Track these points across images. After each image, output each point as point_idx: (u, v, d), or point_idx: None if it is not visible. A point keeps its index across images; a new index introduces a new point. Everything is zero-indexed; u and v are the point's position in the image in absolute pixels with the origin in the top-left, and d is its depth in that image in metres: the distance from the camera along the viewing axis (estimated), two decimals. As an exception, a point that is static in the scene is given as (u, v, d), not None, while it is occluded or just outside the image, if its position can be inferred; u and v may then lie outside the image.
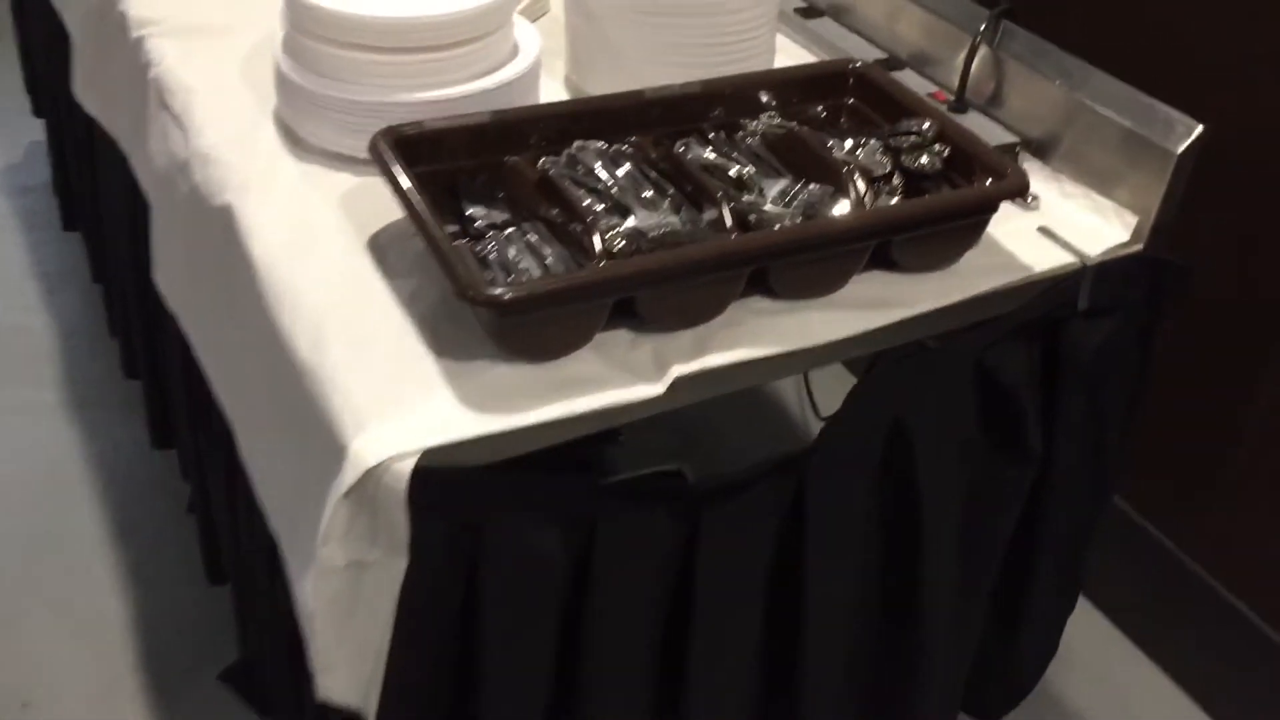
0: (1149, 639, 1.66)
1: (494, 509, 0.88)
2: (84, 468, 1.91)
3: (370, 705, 0.92)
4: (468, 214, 1.02)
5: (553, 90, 1.27)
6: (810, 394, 1.71)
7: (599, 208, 1.00)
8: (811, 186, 1.03)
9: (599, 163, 1.05)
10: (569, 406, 0.88)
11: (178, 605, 1.68)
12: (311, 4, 1.07)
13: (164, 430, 1.80)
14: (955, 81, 1.28)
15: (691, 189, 1.03)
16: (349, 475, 0.83)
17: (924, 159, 1.07)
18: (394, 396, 0.88)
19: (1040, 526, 1.22)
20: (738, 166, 1.06)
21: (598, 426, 0.90)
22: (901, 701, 1.21)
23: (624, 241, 0.94)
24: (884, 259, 1.03)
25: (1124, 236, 1.11)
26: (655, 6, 1.16)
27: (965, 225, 1.03)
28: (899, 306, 1.01)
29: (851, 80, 1.17)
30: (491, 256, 0.95)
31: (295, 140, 1.15)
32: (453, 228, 1.00)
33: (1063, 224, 1.12)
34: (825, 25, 1.42)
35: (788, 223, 0.98)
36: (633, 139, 1.09)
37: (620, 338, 0.95)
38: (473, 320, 0.93)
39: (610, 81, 1.22)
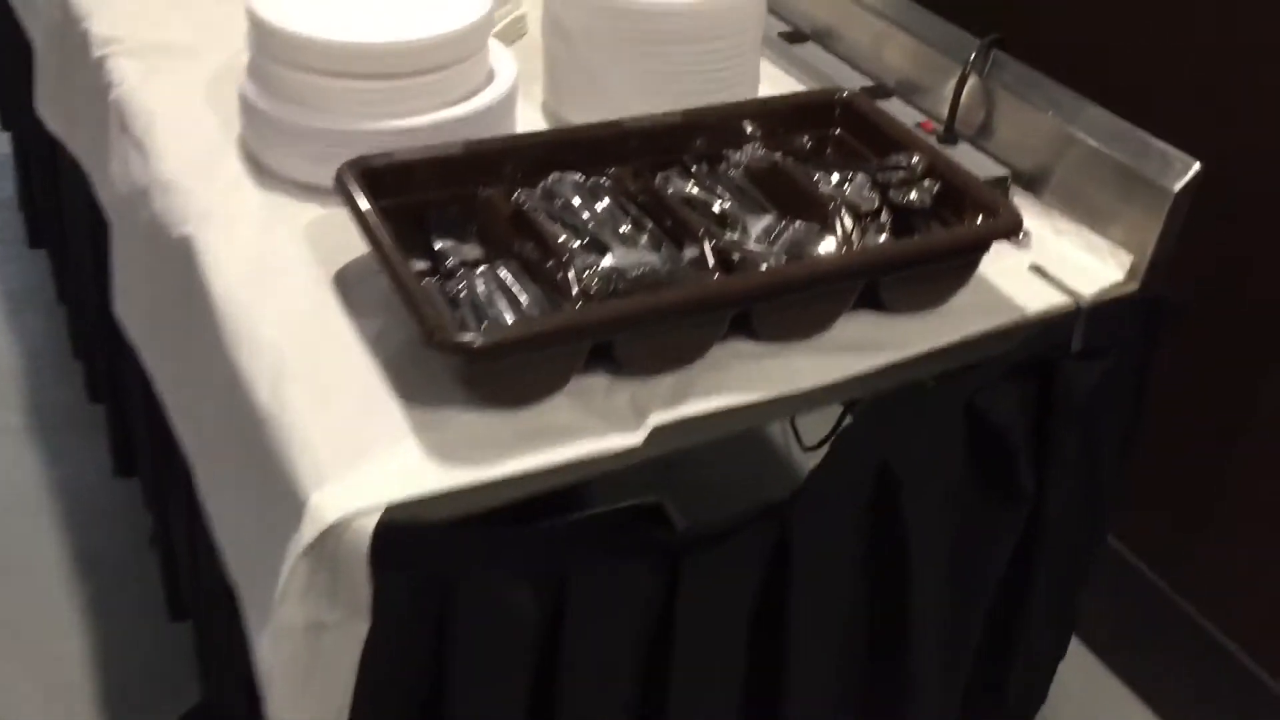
0: (1140, 679, 1.62)
1: (462, 565, 0.83)
2: (45, 494, 1.85)
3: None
4: (438, 249, 0.98)
5: (530, 117, 1.22)
6: (793, 422, 1.67)
7: (575, 244, 0.96)
8: (796, 224, 0.99)
9: (576, 196, 1.01)
10: (542, 458, 0.84)
11: (138, 640, 1.62)
12: (276, 27, 1.03)
13: (127, 458, 1.75)
14: (944, 111, 1.25)
15: (672, 224, 0.99)
16: (308, 532, 0.78)
17: (913, 195, 1.03)
18: (357, 446, 0.83)
19: (1031, 568, 1.18)
20: (720, 201, 1.02)
21: (572, 478, 0.86)
22: (887, 749, 1.17)
23: (601, 282, 0.90)
24: (872, 298, 0.99)
25: (1118, 276, 1.08)
26: (636, 33, 1.12)
27: (956, 265, 1.00)
28: (888, 349, 0.97)
29: (838, 110, 1.14)
30: (462, 295, 0.91)
31: (260, 168, 1.10)
32: (422, 264, 0.96)
33: (1055, 261, 1.08)
34: (810, 51, 1.38)
35: (772, 262, 0.94)
36: (611, 170, 1.04)
37: (597, 383, 0.91)
38: (441, 364, 0.89)
39: (589, 108, 1.18)
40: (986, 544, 1.15)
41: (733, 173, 1.08)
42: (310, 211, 1.06)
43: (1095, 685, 1.66)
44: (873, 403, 1.00)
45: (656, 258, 0.95)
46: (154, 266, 1.12)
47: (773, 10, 1.23)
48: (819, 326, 0.97)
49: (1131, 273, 1.07)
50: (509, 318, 0.88)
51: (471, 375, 0.85)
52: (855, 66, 1.35)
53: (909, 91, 1.29)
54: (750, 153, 1.09)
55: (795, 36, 1.40)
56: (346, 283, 0.99)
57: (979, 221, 1.00)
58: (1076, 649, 1.65)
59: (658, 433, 0.88)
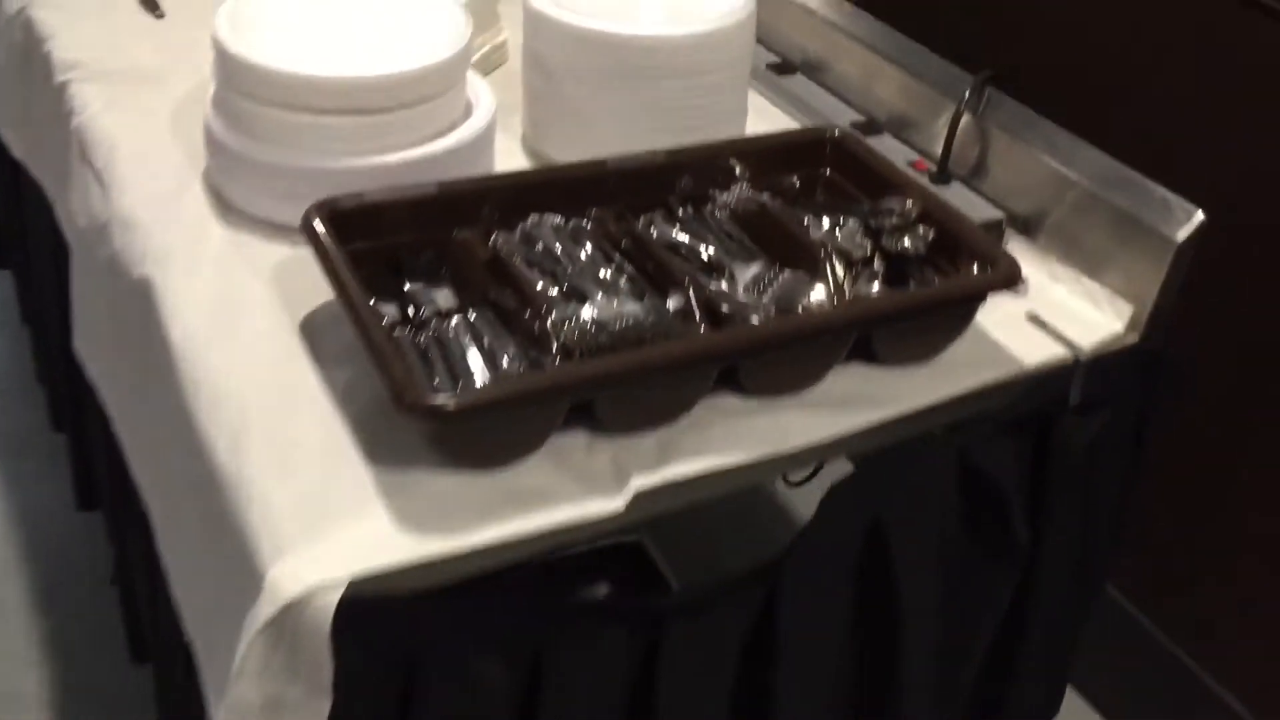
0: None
1: (429, 638, 0.78)
2: (4, 523, 1.79)
3: None
4: (409, 292, 0.93)
5: (508, 150, 1.18)
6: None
7: (554, 292, 0.92)
8: (786, 273, 0.95)
9: (556, 240, 0.97)
10: (517, 526, 0.79)
11: (97, 682, 1.56)
12: (243, 59, 0.98)
13: (89, 491, 1.69)
14: (936, 148, 1.21)
15: (656, 271, 0.94)
16: (265, 608, 0.74)
17: (907, 242, 0.99)
18: (320, 511, 0.79)
19: (1024, 623, 1.14)
20: (706, 246, 0.98)
21: (550, 545, 0.81)
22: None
23: (582, 337, 0.85)
24: (863, 349, 0.95)
25: (1118, 326, 1.04)
26: (619, 67, 1.07)
27: (951, 316, 0.96)
28: (880, 405, 0.93)
29: (828, 149, 1.09)
30: (433, 351, 0.86)
31: (225, 205, 1.06)
32: (393, 309, 0.91)
33: (1053, 310, 1.04)
34: (799, 83, 1.34)
35: (761, 315, 0.89)
36: (593, 212, 1.00)
37: (576, 441, 0.86)
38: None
39: (570, 144, 1.13)
40: (978, 599, 1.11)
41: (719, 214, 1.04)
42: (277, 252, 1.01)
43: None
44: (864, 459, 0.96)
45: (640, 308, 0.90)
46: (114, 306, 1.07)
47: (760, 40, 1.19)
48: (809, 380, 0.92)
49: (1132, 324, 1.04)
50: (484, 375, 0.83)
51: (444, 437, 0.80)
52: (844, 100, 1.31)
53: (900, 127, 1.25)
54: (737, 193, 1.05)
55: (783, 68, 1.36)
56: (314, 329, 0.94)
57: (975, 270, 0.96)
58: (1069, 697, 1.61)
59: (640, 497, 0.83)
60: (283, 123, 0.99)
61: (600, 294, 0.91)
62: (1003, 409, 0.99)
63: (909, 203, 1.01)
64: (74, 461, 1.71)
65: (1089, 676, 1.58)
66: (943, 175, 1.17)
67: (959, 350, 0.98)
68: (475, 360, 0.85)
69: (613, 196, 1.01)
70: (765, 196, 1.05)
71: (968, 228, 0.99)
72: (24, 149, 1.43)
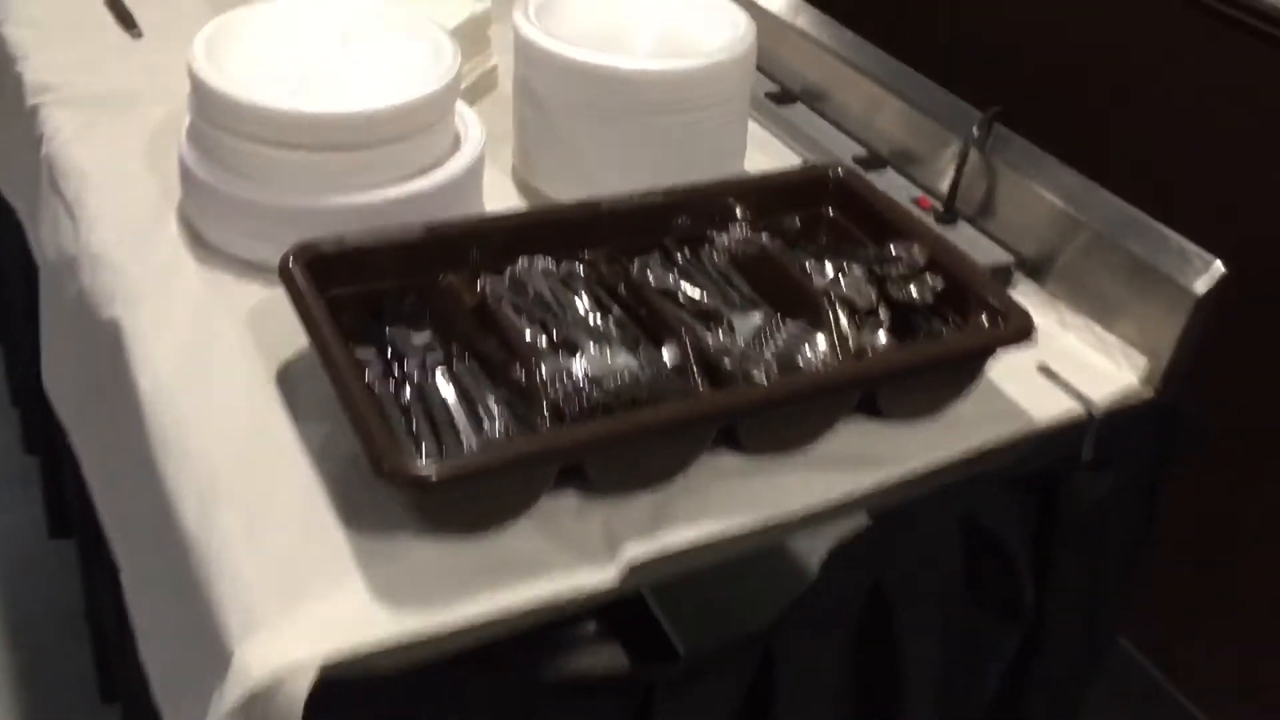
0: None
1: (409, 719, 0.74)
2: (-26, 551, 1.74)
3: None
4: (391, 337, 0.89)
5: (498, 183, 1.13)
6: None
7: (543, 341, 0.87)
8: (787, 324, 0.90)
9: (546, 285, 0.92)
10: (504, 599, 0.75)
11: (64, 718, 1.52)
12: (220, 91, 0.93)
13: (62, 518, 1.64)
14: (940, 185, 1.17)
15: (651, 319, 0.90)
16: (233, 690, 0.69)
17: (913, 290, 0.95)
18: (293, 584, 0.74)
19: (1028, 685, 1.10)
20: (703, 293, 0.94)
21: (537, 620, 0.76)
22: None
23: (573, 395, 0.81)
24: (868, 403, 0.90)
25: (1132, 379, 1.00)
26: (614, 102, 1.03)
27: (960, 371, 0.91)
28: (885, 464, 0.88)
29: (831, 188, 1.05)
30: (416, 407, 0.82)
31: (200, 241, 1.01)
32: (375, 359, 0.86)
33: (1063, 360, 1.00)
34: (799, 113, 1.30)
35: (761, 371, 0.85)
36: (585, 254, 0.96)
37: (566, 504, 0.81)
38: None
39: (562, 179, 1.09)
40: (982, 661, 1.07)
41: (717, 257, 0.99)
42: (254, 292, 0.96)
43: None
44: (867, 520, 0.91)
45: (634, 362, 0.86)
46: (81, 346, 1.02)
47: (759, 68, 1.14)
48: (810, 438, 0.88)
49: (1147, 378, 0.99)
50: (470, 435, 0.79)
51: (425, 505, 0.76)
52: (846, 131, 1.27)
53: (903, 162, 1.21)
54: (736, 234, 1.01)
55: (782, 97, 1.32)
56: (290, 379, 0.89)
57: (984, 321, 0.92)
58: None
59: (634, 567, 0.79)
60: (261, 158, 0.94)
61: (592, 345, 0.87)
62: (1011, 465, 0.95)
63: (916, 249, 0.96)
64: (46, 487, 1.66)
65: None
66: (949, 214, 1.13)
67: (967, 404, 0.94)
68: (460, 418, 0.81)
69: (606, 238, 0.97)
70: (765, 238, 1.01)
71: (978, 277, 0.94)
72: (-4, 170, 1.38)
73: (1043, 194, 1.07)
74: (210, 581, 0.75)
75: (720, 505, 0.83)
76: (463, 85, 1.19)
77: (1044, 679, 1.10)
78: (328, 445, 0.83)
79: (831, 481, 0.86)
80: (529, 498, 0.78)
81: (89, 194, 1.06)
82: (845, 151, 1.23)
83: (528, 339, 0.87)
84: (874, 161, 1.21)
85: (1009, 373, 0.97)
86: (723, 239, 1.00)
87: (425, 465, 0.72)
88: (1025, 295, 1.07)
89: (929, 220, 1.12)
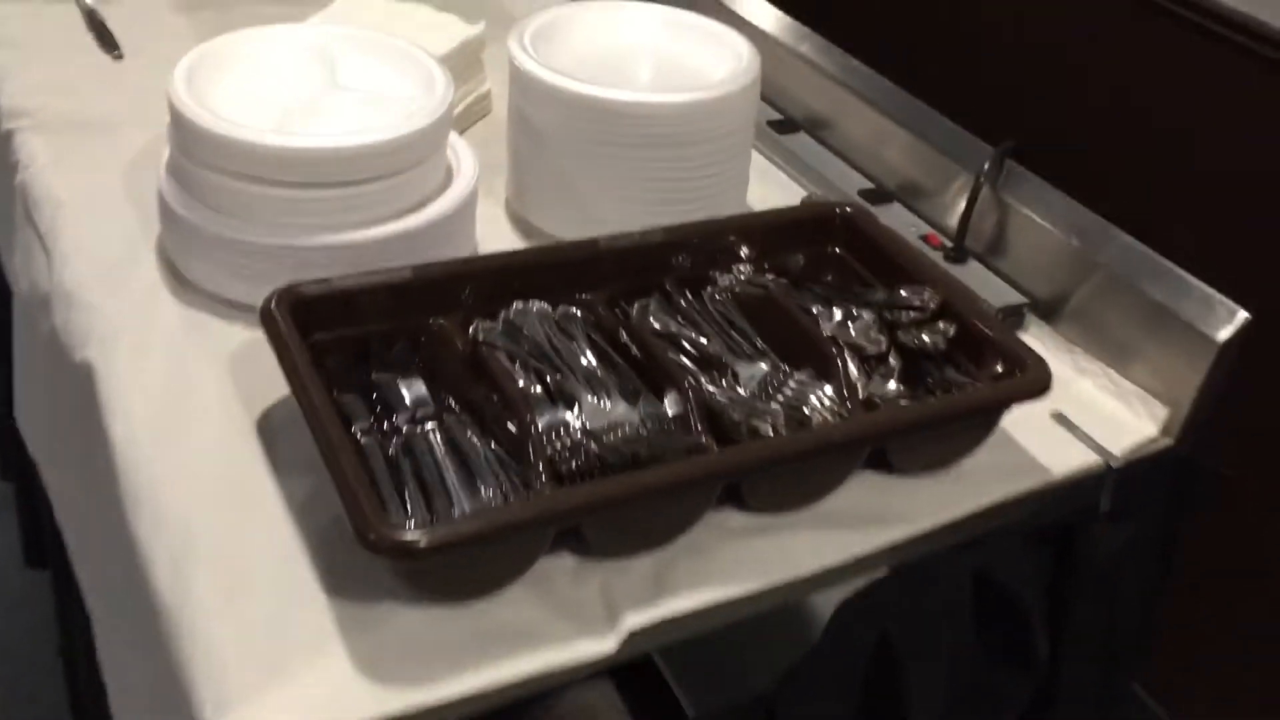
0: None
1: (395, 801, 0.69)
2: (-52, 580, 1.69)
3: None
4: (378, 385, 0.84)
5: (492, 216, 1.09)
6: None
7: (538, 390, 0.83)
8: (795, 374, 0.86)
9: (542, 329, 0.88)
10: (496, 672, 0.70)
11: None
12: (200, 126, 0.89)
13: (38, 548, 1.59)
14: (949, 220, 1.13)
15: (651, 367, 0.86)
16: (206, 775, 0.65)
17: (925, 337, 0.91)
18: (271, 655, 0.70)
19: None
20: (704, 338, 0.89)
21: (532, 692, 0.72)
22: None
23: (570, 453, 0.77)
24: (877, 456, 0.86)
25: (1151, 430, 0.96)
26: (613, 136, 0.99)
27: (975, 425, 0.87)
28: (897, 522, 0.84)
29: (837, 225, 1.01)
30: (404, 463, 0.77)
31: (180, 279, 0.96)
32: (360, 404, 0.82)
33: (1079, 408, 0.96)
34: (802, 143, 1.26)
35: (767, 424, 0.81)
36: (583, 297, 0.91)
37: (562, 566, 0.77)
38: (379, 547, 0.75)
39: (558, 215, 1.05)
40: (993, 709, 1.03)
41: (719, 297, 0.95)
42: (235, 334, 0.92)
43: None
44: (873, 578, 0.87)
45: (635, 415, 0.81)
46: (54, 386, 0.98)
47: (761, 96, 1.10)
48: (818, 495, 0.84)
49: (1165, 427, 0.95)
50: (461, 495, 0.74)
51: (413, 573, 0.72)
52: (851, 163, 1.23)
53: (910, 196, 1.17)
54: (739, 274, 0.97)
55: (785, 126, 1.28)
56: (272, 429, 0.85)
57: (1000, 370, 0.88)
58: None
59: (634, 635, 0.74)
60: (244, 195, 0.90)
61: (590, 396, 0.83)
62: (1026, 519, 0.91)
63: (928, 293, 0.92)
64: (21, 516, 1.61)
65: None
66: (959, 253, 1.09)
67: (980, 456, 0.90)
68: (451, 475, 0.76)
69: (604, 279, 0.93)
70: (770, 279, 0.97)
71: (992, 324, 0.90)
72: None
73: (1056, 233, 1.03)
74: (183, 652, 0.71)
75: (725, 568, 0.79)
76: (456, 112, 1.15)
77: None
78: (311, 502, 0.79)
79: (841, 541, 0.82)
80: (523, 564, 0.74)
81: (64, 226, 1.02)
82: (850, 184, 1.19)
83: (521, 387, 0.83)
84: (880, 195, 1.18)
85: (1022, 420, 0.93)
86: (725, 279, 0.96)
87: (413, 532, 0.67)
88: (1038, 338, 1.04)
89: (938, 259, 1.08)
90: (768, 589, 0.79)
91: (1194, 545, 1.25)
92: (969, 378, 0.89)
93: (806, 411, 0.84)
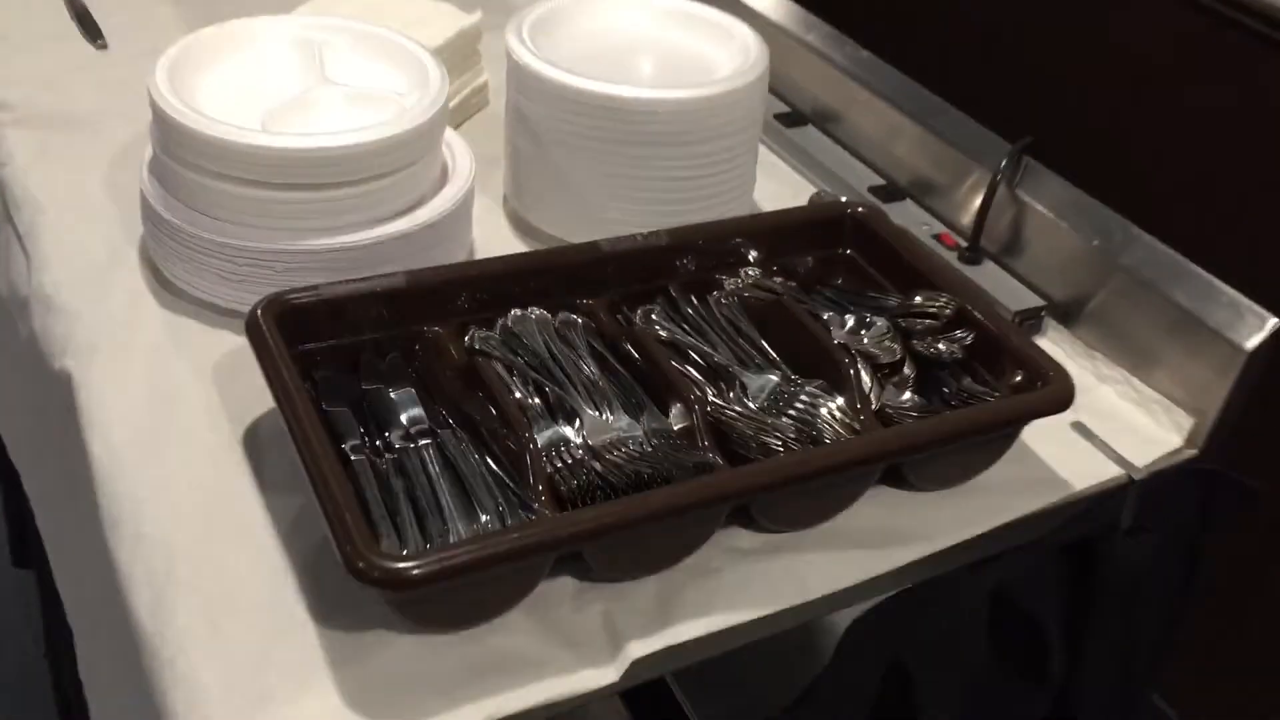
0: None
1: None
2: (-66, 580, 1.66)
3: None
4: (370, 399, 0.80)
5: (488, 213, 1.05)
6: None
7: (537, 403, 0.79)
8: (805, 385, 0.82)
9: (541, 338, 0.84)
10: (493, 704, 0.67)
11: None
12: (183, 125, 0.85)
13: (25, 547, 1.55)
14: (962, 218, 1.09)
15: (656, 378, 0.82)
16: (186, 820, 0.61)
17: (941, 346, 0.87)
18: (256, 688, 0.66)
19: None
20: (712, 349, 0.86)
21: (530, 724, 0.69)
22: None
23: (570, 473, 0.73)
24: (892, 471, 0.83)
25: (1176, 441, 0.92)
26: (615, 133, 0.94)
27: (994, 441, 0.84)
28: (912, 540, 0.81)
29: (848, 226, 0.97)
30: (397, 482, 0.74)
31: (163, 283, 0.92)
32: (350, 417, 0.78)
33: (1100, 417, 0.92)
34: (810, 136, 1.22)
35: (776, 440, 0.77)
36: (584, 303, 0.88)
37: (562, 590, 0.74)
38: (370, 572, 0.71)
39: (557, 215, 1.01)
40: (1006, 722, 1.00)
41: (726, 301, 0.91)
42: (221, 341, 0.88)
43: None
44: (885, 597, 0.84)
45: (639, 430, 0.78)
46: (33, 394, 0.94)
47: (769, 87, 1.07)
48: (829, 514, 0.80)
49: (1190, 438, 0.92)
50: (457, 522, 0.70)
51: (404, 604, 0.68)
52: (861, 158, 1.19)
53: (923, 193, 1.13)
54: (746, 278, 0.93)
55: (793, 119, 1.24)
56: (258, 443, 0.81)
57: (1020, 381, 0.84)
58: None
59: (638, 664, 0.71)
60: (229, 197, 0.86)
61: (591, 410, 0.79)
62: (1045, 535, 0.87)
63: (944, 299, 0.89)
64: (8, 514, 1.57)
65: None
66: (974, 253, 1.05)
67: (998, 470, 0.86)
68: (445, 497, 0.73)
69: (607, 284, 0.89)
70: (778, 281, 0.93)
71: (1011, 332, 0.87)
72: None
73: (1075, 233, 0.99)
74: (163, 681, 0.67)
75: (732, 591, 0.75)
76: (451, 105, 1.11)
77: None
78: (298, 523, 0.75)
79: (854, 561, 0.79)
80: (521, 591, 0.71)
81: (44, 226, 0.98)
82: (860, 180, 1.15)
83: (519, 399, 0.79)
84: (891, 192, 1.13)
85: (1041, 430, 0.89)
86: (732, 283, 0.93)
87: (404, 561, 0.64)
88: (1057, 343, 1.00)
89: (952, 260, 1.04)
90: (778, 613, 0.75)
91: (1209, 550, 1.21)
92: (987, 388, 0.85)
93: (818, 425, 0.80)
